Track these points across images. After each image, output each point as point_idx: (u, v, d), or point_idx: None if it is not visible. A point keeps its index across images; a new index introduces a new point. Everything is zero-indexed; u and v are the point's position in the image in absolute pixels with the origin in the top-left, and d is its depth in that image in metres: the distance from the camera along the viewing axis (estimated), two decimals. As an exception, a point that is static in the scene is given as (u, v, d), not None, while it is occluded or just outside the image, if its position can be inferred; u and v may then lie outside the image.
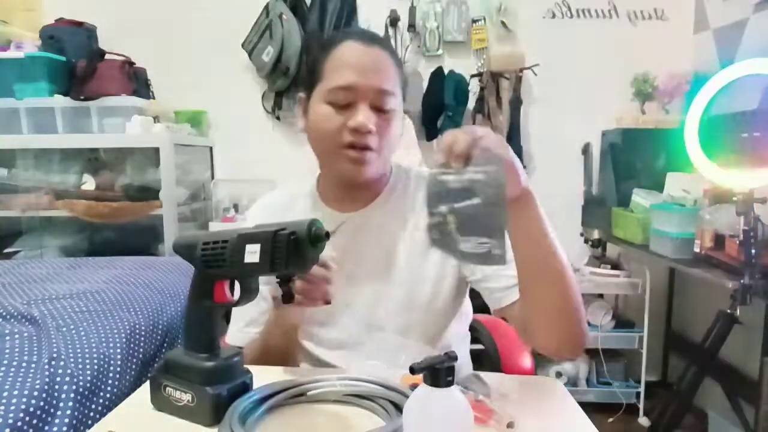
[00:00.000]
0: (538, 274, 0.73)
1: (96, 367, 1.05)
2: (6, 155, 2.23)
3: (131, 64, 2.29)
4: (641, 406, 2.25)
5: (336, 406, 0.71)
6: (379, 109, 0.84)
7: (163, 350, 1.33)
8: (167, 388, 0.69)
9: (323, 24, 2.35)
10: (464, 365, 1.00)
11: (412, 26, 2.41)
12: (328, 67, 0.85)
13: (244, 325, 0.94)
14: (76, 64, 2.19)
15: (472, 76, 2.43)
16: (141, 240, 2.25)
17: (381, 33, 2.42)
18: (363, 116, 0.82)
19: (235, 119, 2.55)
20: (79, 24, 2.30)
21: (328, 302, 0.76)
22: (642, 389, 2.25)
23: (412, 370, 0.51)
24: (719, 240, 1.70)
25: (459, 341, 0.99)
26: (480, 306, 1.02)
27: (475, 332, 1.19)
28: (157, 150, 2.11)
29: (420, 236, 0.90)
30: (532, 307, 0.77)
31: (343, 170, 0.86)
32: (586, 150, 2.43)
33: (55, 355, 1.00)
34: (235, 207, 2.41)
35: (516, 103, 2.41)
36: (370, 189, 0.94)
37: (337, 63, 0.84)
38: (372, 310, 0.90)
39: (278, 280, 0.69)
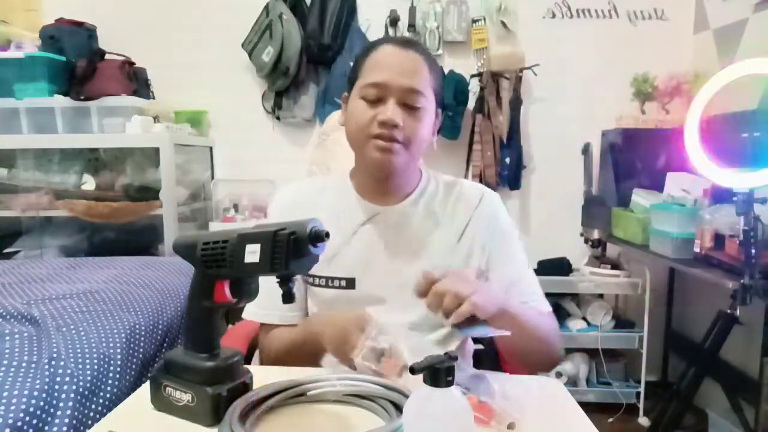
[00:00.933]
0: (512, 344, 0.87)
1: (96, 367, 1.05)
2: (6, 155, 2.23)
3: (131, 64, 2.28)
4: (641, 406, 2.25)
5: (336, 406, 0.71)
6: (408, 107, 0.91)
7: (163, 350, 1.32)
8: (167, 388, 0.69)
9: (323, 24, 2.35)
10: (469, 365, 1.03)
11: (412, 26, 2.41)
12: (365, 67, 0.93)
13: (263, 309, 0.97)
14: (76, 64, 2.19)
15: (472, 76, 2.43)
16: (141, 240, 2.25)
17: (381, 33, 2.43)
18: (391, 111, 0.89)
19: (235, 119, 2.55)
20: (79, 24, 2.29)
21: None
22: (642, 389, 2.25)
23: (412, 370, 0.51)
24: (719, 240, 1.70)
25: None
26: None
27: (475, 332, 1.20)
28: (157, 150, 2.11)
29: (448, 237, 0.97)
30: (507, 355, 0.96)
31: (373, 158, 0.91)
32: (586, 150, 2.43)
33: (55, 355, 1.00)
34: (235, 207, 2.41)
35: (516, 103, 2.41)
36: (401, 186, 1.00)
37: (373, 63, 0.92)
38: (402, 302, 0.94)
39: (278, 280, 0.69)
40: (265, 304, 0.94)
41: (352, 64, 1.01)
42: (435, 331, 0.96)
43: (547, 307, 0.99)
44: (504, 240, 1.01)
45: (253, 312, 0.98)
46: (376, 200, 0.99)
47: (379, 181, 0.97)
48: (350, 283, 0.95)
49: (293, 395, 0.71)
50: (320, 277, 0.96)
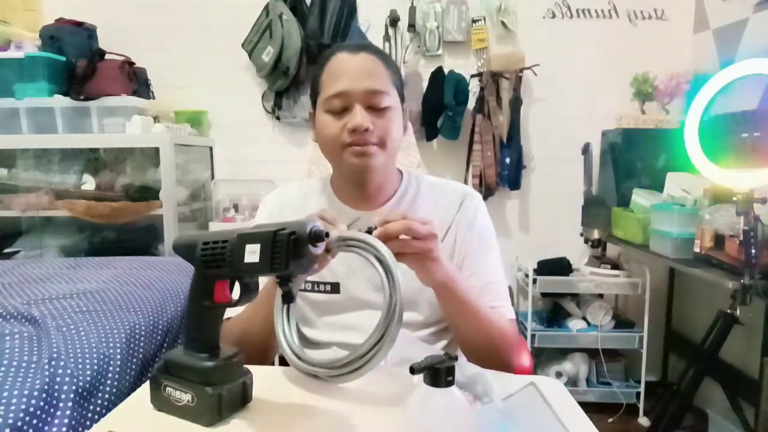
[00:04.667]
0: (455, 320, 0.89)
1: (96, 367, 1.05)
2: (6, 155, 2.23)
3: (131, 64, 2.28)
4: (641, 406, 2.25)
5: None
6: (374, 108, 0.90)
7: (163, 350, 1.32)
8: (167, 388, 0.69)
9: (323, 24, 2.35)
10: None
11: (412, 26, 2.41)
12: (324, 80, 0.93)
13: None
14: (76, 64, 2.19)
15: (472, 76, 2.43)
16: (141, 240, 2.25)
17: (381, 33, 2.43)
18: (359, 117, 0.88)
19: (235, 119, 2.55)
20: (79, 24, 2.29)
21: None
22: (642, 389, 2.25)
23: (412, 370, 0.51)
24: (719, 240, 1.70)
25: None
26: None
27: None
28: (157, 150, 2.11)
29: None
30: (453, 332, 0.94)
31: (351, 166, 0.91)
32: (586, 150, 2.43)
33: (55, 355, 1.00)
34: (235, 207, 2.42)
35: (516, 103, 2.41)
36: (381, 189, 0.99)
37: (330, 74, 0.92)
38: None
39: (278, 280, 0.69)
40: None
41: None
42: (421, 330, 0.96)
43: (510, 314, 0.97)
44: (480, 243, 0.99)
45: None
46: (357, 205, 0.99)
47: (360, 185, 0.97)
48: (335, 288, 0.96)
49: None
50: (307, 282, 0.97)
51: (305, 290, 0.97)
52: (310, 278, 0.96)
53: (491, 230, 1.03)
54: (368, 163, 0.91)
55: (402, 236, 0.74)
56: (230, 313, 0.95)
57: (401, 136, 0.97)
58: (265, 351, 0.92)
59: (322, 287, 0.97)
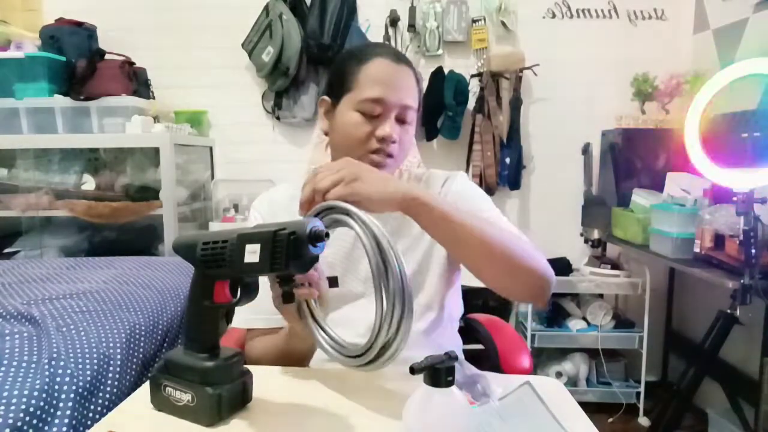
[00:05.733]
0: (457, 248, 0.82)
1: (96, 367, 1.05)
2: (6, 155, 2.23)
3: (131, 64, 2.28)
4: (641, 406, 2.25)
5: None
6: (401, 121, 0.93)
7: (163, 350, 1.32)
8: (167, 388, 0.69)
9: (323, 24, 2.35)
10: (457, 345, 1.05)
11: (412, 26, 2.41)
12: (361, 79, 0.92)
13: (251, 313, 0.96)
14: (76, 64, 2.19)
15: (472, 76, 2.43)
16: (141, 240, 2.25)
17: (381, 33, 2.43)
18: (390, 127, 0.90)
19: (235, 119, 2.55)
20: (79, 24, 2.29)
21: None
22: (642, 389, 2.25)
23: (413, 370, 0.51)
24: (719, 240, 1.70)
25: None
26: (480, 306, 1.03)
27: (475, 332, 1.19)
28: (157, 150, 2.11)
29: (417, 230, 0.92)
30: (471, 270, 0.84)
31: None
32: (586, 150, 2.43)
33: (55, 355, 1.00)
34: (235, 207, 2.42)
35: (516, 103, 2.41)
36: None
37: (370, 77, 0.91)
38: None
39: (278, 280, 0.69)
40: (250, 310, 0.93)
41: (332, 68, 0.99)
42: (424, 315, 0.96)
43: (516, 230, 0.91)
44: (474, 199, 0.97)
45: (241, 319, 0.95)
46: None
47: None
48: (333, 282, 0.95)
49: None
50: None
51: None
52: None
53: (480, 194, 1.00)
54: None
55: (327, 193, 0.73)
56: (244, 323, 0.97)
57: (411, 147, 1.00)
58: (303, 359, 0.93)
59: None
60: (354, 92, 0.92)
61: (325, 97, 0.98)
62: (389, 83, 0.91)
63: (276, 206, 1.03)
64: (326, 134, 0.99)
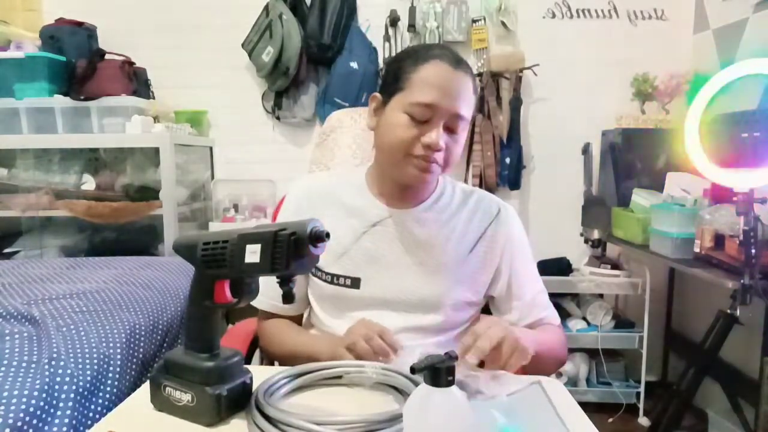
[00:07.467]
0: (530, 370, 0.86)
1: (96, 367, 1.05)
2: (6, 155, 2.23)
3: (131, 64, 2.28)
4: (641, 406, 2.25)
5: (369, 391, 0.74)
6: (451, 130, 0.90)
7: (163, 350, 1.32)
8: (167, 388, 0.69)
9: (323, 24, 2.35)
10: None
11: (412, 26, 2.41)
12: (414, 80, 0.89)
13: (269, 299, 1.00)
14: (76, 64, 2.19)
15: (472, 76, 2.42)
16: (141, 240, 2.25)
17: (381, 33, 2.43)
18: (436, 135, 0.87)
19: (235, 119, 2.55)
20: (79, 24, 2.29)
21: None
22: (642, 389, 2.25)
23: (413, 370, 0.51)
24: (719, 240, 1.70)
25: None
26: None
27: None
28: (157, 150, 2.11)
29: (459, 247, 0.98)
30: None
31: (408, 174, 0.91)
32: (586, 150, 2.43)
33: (55, 355, 1.00)
34: (235, 207, 2.41)
35: (516, 103, 2.41)
36: (419, 191, 0.99)
37: (424, 79, 0.88)
38: (406, 305, 0.96)
39: (278, 280, 0.69)
40: (265, 292, 0.95)
41: (388, 65, 0.98)
42: (436, 336, 0.96)
43: (557, 318, 1.05)
44: (523, 256, 1.02)
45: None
46: (390, 202, 0.98)
47: (403, 188, 0.97)
48: (355, 283, 0.95)
49: (330, 376, 0.75)
50: (326, 273, 0.96)
51: (323, 279, 0.97)
52: (331, 270, 0.96)
53: (526, 240, 1.05)
54: (426, 178, 0.91)
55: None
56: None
57: (460, 156, 0.97)
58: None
59: (341, 280, 0.95)
60: (405, 93, 0.89)
61: (377, 94, 0.96)
62: (443, 89, 0.87)
63: (316, 193, 1.02)
64: (372, 130, 0.97)
